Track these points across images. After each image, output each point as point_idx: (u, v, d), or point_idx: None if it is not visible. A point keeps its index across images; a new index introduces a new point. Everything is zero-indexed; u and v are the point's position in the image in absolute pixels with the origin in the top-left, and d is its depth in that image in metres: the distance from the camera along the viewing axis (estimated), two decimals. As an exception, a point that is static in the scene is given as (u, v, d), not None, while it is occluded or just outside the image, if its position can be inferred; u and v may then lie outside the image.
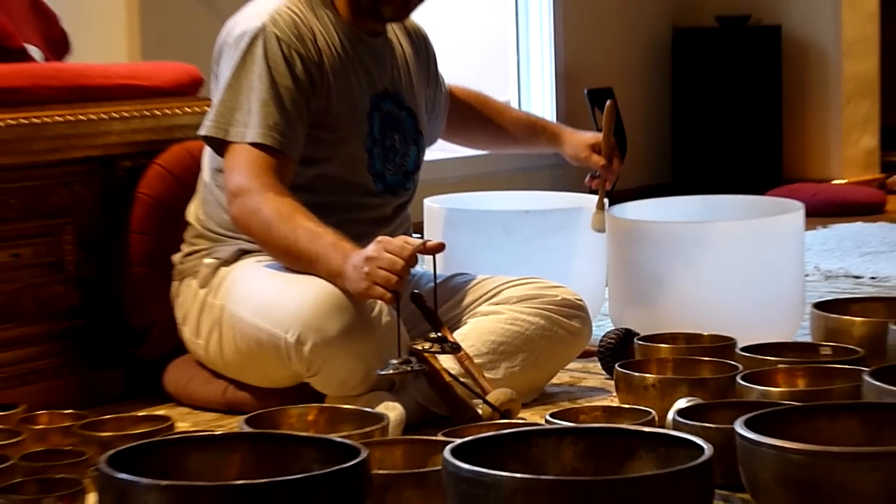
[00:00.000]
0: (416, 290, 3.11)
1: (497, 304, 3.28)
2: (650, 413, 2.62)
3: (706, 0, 7.21)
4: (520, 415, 2.93)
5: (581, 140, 3.64)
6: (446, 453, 1.99)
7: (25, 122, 3.28)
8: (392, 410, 2.82)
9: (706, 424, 2.41)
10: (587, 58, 6.52)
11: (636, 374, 2.93)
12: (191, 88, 3.75)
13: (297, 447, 2.24)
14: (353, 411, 2.75)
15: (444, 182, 4.37)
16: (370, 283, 2.91)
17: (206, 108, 3.30)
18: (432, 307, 3.04)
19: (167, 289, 3.39)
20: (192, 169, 3.43)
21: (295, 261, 3.10)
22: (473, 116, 3.82)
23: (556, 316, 3.25)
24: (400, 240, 2.98)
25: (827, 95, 7.01)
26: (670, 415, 2.54)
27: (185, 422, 3.12)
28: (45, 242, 3.38)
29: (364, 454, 2.01)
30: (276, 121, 3.13)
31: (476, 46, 6.28)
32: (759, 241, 3.77)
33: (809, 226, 3.97)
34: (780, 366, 2.87)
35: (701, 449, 2.00)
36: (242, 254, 3.26)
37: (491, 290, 3.33)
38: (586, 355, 3.46)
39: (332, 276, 3.01)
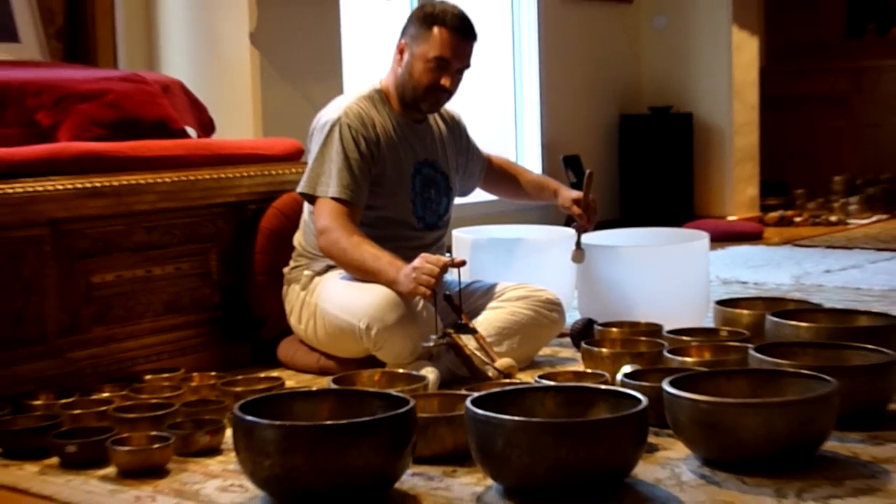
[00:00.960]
0: (447, 293, 3.14)
1: (502, 301, 3.33)
2: (605, 375, 2.72)
3: (642, 95, 7.17)
4: (517, 377, 2.98)
5: (569, 196, 3.59)
6: (468, 403, 2.19)
7: (185, 179, 3.36)
8: (431, 373, 2.95)
9: (643, 383, 2.46)
10: (562, 134, 6.49)
11: (595, 349, 3.01)
12: (295, 156, 3.78)
13: (367, 399, 2.39)
14: (404, 374, 2.86)
15: (467, 218, 4.47)
16: (416, 284, 3.00)
17: (303, 169, 3.35)
18: (458, 304, 3.11)
19: (279, 291, 3.43)
20: (296, 210, 3.46)
21: (364, 275, 3.15)
22: (503, 178, 3.81)
23: (541, 310, 3.32)
24: (435, 257, 3.08)
25: (723, 160, 7.03)
26: (619, 377, 2.63)
27: (291, 381, 3.20)
28: (198, 259, 3.46)
29: (412, 403, 2.18)
30: (348, 182, 3.20)
31: (487, 124, 6.36)
32: (678, 258, 3.83)
33: (712, 248, 4.05)
34: (693, 343, 2.96)
35: (639, 400, 2.17)
36: (329, 268, 3.30)
37: (497, 292, 3.38)
38: (562, 336, 3.50)
39: (389, 284, 3.08)
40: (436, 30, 3.27)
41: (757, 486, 2.13)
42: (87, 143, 3.31)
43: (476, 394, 2.32)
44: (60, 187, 3.06)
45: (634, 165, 7.04)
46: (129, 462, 2.40)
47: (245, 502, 2.18)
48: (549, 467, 2.06)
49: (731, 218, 6.97)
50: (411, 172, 3.42)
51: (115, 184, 3.21)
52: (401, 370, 2.94)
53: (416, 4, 5.63)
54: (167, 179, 3.34)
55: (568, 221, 4.01)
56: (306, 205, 3.37)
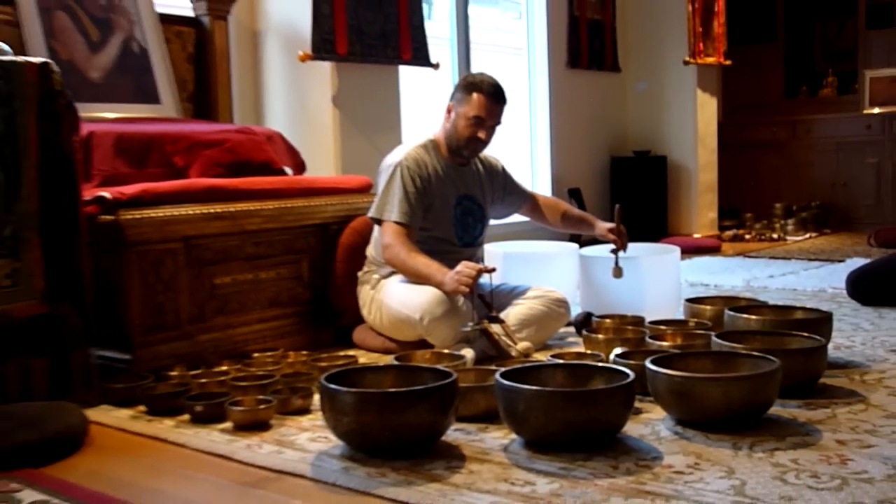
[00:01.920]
0: (481, 292, 3.07)
1: (522, 299, 3.32)
2: (601, 355, 2.72)
3: (628, 141, 7.14)
4: (534, 356, 2.98)
5: (604, 227, 3.57)
6: (497, 376, 2.22)
7: (283, 206, 3.39)
8: (468, 353, 2.94)
9: (630, 362, 2.43)
10: (566, 171, 6.50)
11: (593, 335, 3.00)
12: (365, 189, 3.75)
13: (420, 372, 2.39)
14: (448, 353, 2.83)
15: (496, 236, 4.44)
16: (457, 285, 3.02)
17: (372, 199, 3.36)
18: (489, 301, 3.08)
19: (354, 290, 3.44)
20: (367, 230, 3.44)
21: (418, 279, 3.16)
22: (550, 212, 3.74)
23: (551, 306, 3.31)
24: (473, 264, 3.08)
25: (689, 191, 7.00)
26: (611, 356, 2.63)
27: (363, 358, 3.19)
28: (293, 266, 3.46)
29: (454, 376, 2.20)
30: (406, 210, 3.21)
31: (510, 163, 6.38)
32: (656, 266, 3.84)
33: (681, 258, 4.08)
34: (668, 331, 2.95)
35: (628, 375, 2.19)
36: (391, 274, 3.30)
37: (519, 292, 3.37)
38: (567, 326, 3.45)
39: (437, 285, 3.10)
40: (475, 95, 3.29)
41: (718, 440, 2.14)
42: (210, 179, 3.34)
43: (503, 369, 2.33)
44: (191, 212, 3.10)
45: (622, 195, 6.98)
46: (241, 419, 2.43)
47: (329, 450, 2.19)
48: (559, 425, 2.09)
49: (696, 235, 6.93)
50: (454, 204, 3.41)
51: (232, 210, 3.24)
52: (445, 350, 2.92)
53: (457, 74, 5.69)
54: (270, 206, 3.37)
55: (583, 243, 3.93)
56: (375, 226, 3.36)
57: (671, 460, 2.02)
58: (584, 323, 3.30)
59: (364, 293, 3.39)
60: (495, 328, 3.00)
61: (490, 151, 3.59)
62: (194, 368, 2.97)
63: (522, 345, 3.03)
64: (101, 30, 3.76)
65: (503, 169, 3.67)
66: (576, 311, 3.55)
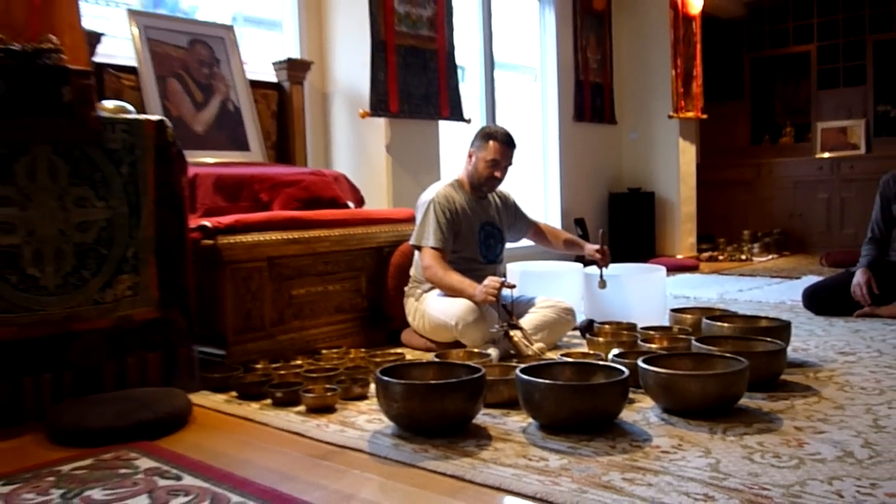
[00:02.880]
0: (503, 303, 3.02)
1: (536, 308, 3.29)
2: (601, 355, 2.71)
3: (623, 180, 7.11)
4: (546, 355, 2.92)
5: (591, 248, 3.51)
6: (517, 371, 2.21)
7: (346, 233, 3.40)
8: (493, 352, 2.93)
9: (626, 361, 2.44)
10: (573, 204, 6.50)
11: (595, 338, 2.99)
12: (411, 220, 3.55)
13: (456, 367, 2.39)
14: (478, 352, 2.82)
15: (515, 257, 4.45)
16: (485, 296, 3.02)
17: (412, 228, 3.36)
18: (510, 310, 3.03)
19: (401, 301, 3.43)
20: (411, 253, 3.42)
21: (452, 292, 3.16)
22: (549, 236, 3.72)
23: (561, 313, 3.29)
24: (497, 278, 3.07)
25: (673, 220, 6.95)
26: (610, 356, 2.62)
27: (410, 355, 3.16)
28: (354, 281, 3.46)
29: (483, 371, 2.20)
30: (440, 237, 3.21)
31: (527, 197, 6.35)
32: (646, 282, 3.81)
33: (668, 275, 4.08)
34: (656, 335, 2.93)
35: (623, 371, 2.19)
36: (431, 289, 3.29)
37: (534, 302, 3.34)
38: (573, 330, 3.39)
39: (469, 297, 3.10)
40: (491, 142, 3.32)
41: (697, 426, 2.13)
42: (290, 212, 3.36)
43: (522, 365, 2.33)
44: (274, 238, 3.13)
45: (618, 224, 7.00)
46: (312, 403, 2.43)
47: (382, 429, 2.20)
48: (567, 412, 2.09)
49: (678, 256, 6.88)
50: (478, 229, 3.41)
51: (306, 236, 3.26)
52: (475, 350, 2.91)
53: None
54: (336, 233, 3.39)
55: (586, 263, 3.89)
56: (416, 251, 3.37)
57: (658, 442, 2.01)
58: (588, 328, 3.28)
59: (409, 304, 3.39)
60: (515, 332, 2.98)
61: (504, 187, 3.58)
62: (275, 362, 2.99)
63: (537, 345, 3.01)
64: (204, 93, 3.82)
65: (514, 201, 3.66)
66: (580, 318, 3.52)
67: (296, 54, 4.50)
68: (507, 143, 3.35)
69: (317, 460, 1.98)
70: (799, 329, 3.47)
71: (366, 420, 2.31)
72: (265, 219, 3.15)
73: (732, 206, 8.13)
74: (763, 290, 4.96)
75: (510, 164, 3.40)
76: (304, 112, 4.30)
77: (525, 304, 3.36)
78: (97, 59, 3.36)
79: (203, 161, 3.59)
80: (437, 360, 2.58)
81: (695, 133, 7.44)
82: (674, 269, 6.13)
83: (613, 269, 4.04)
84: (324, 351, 3.16)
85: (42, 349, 2.37)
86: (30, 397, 2.37)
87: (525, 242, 3.86)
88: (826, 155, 7.78)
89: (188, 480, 1.82)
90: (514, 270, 3.94)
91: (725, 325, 2.90)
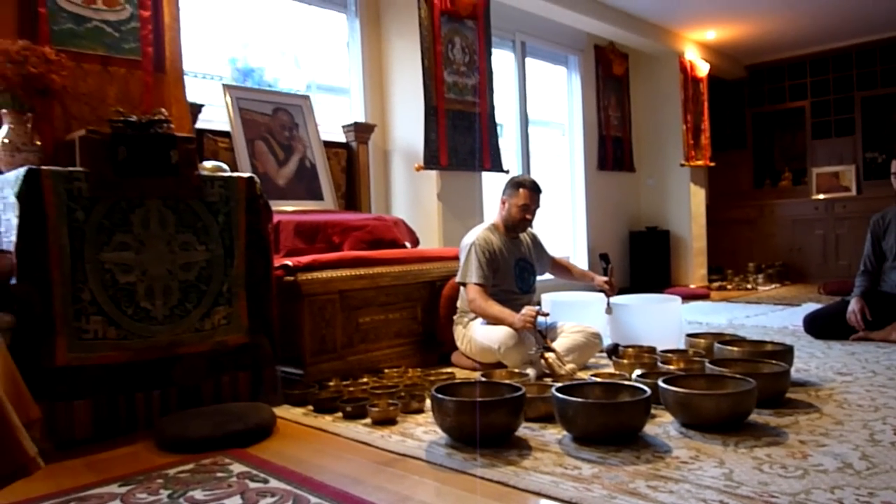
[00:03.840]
0: (539, 329, 3.03)
1: (568, 333, 3.24)
2: (626, 375, 2.65)
3: (641, 219, 7.03)
4: (577, 375, 2.92)
5: (600, 279, 3.49)
6: (553, 390, 2.19)
7: (404, 269, 3.39)
8: (531, 372, 2.91)
9: (647, 381, 2.42)
10: (597, 241, 6.42)
11: (620, 360, 2.95)
12: (459, 257, 3.80)
13: (499, 386, 2.34)
14: (518, 372, 2.81)
15: (548, 288, 4.43)
16: (523, 323, 3.00)
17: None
18: (545, 335, 3.04)
19: (451, 328, 3.39)
20: (459, 286, 3.32)
21: (495, 321, 3.13)
22: (564, 269, 3.70)
23: (589, 337, 3.23)
24: (533, 308, 3.05)
25: (686, 255, 6.86)
26: (634, 376, 2.57)
27: (459, 375, 3.11)
28: (411, 310, 3.44)
29: (523, 389, 2.19)
30: (482, 274, 3.20)
31: (557, 234, 6.32)
32: (664, 310, 3.74)
33: (683, 303, 4.01)
34: (674, 358, 2.87)
35: (646, 391, 2.16)
36: (475, 318, 3.25)
37: (565, 328, 3.29)
38: (600, 353, 3.36)
39: (510, 325, 3.07)
40: (521, 190, 3.33)
41: (712, 439, 2.09)
42: (357, 252, 3.38)
43: (558, 385, 2.31)
44: (344, 274, 3.15)
45: (638, 258, 6.94)
46: (377, 416, 2.43)
47: (437, 440, 2.19)
48: (597, 426, 2.07)
49: (691, 286, 6.77)
50: (513, 265, 3.39)
51: (371, 272, 3.27)
52: (516, 370, 2.88)
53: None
54: (396, 269, 3.39)
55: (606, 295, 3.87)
56: (461, 287, 3.36)
57: (678, 453, 1.98)
58: (613, 351, 3.24)
59: (458, 330, 3.37)
60: (549, 354, 2.96)
61: (531, 227, 3.59)
62: (345, 380, 3.00)
63: (569, 366, 2.98)
64: (286, 152, 3.89)
65: (539, 239, 3.64)
66: (606, 341, 3.48)
67: (361, 118, 4.57)
68: (534, 190, 3.34)
69: (381, 467, 1.98)
70: (801, 352, 3.38)
71: (423, 431, 2.30)
72: (336, 258, 3.17)
73: (738, 242, 7.96)
74: (768, 317, 4.84)
75: (538, 207, 3.40)
76: (369, 167, 4.35)
77: (557, 330, 3.32)
78: (198, 125, 3.45)
79: (284, 209, 3.64)
80: (483, 379, 2.57)
81: (704, 178, 7.36)
82: (687, 297, 6.03)
83: (635, 298, 4.01)
84: (386, 370, 3.17)
85: (152, 370, 2.43)
86: (141, 410, 2.42)
87: (548, 276, 3.84)
88: (821, 196, 7.60)
89: (274, 483, 1.84)
90: (547, 300, 3.92)
91: (735, 348, 2.83)
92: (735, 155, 8.28)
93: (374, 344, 3.29)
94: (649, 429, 2.20)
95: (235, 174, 2.70)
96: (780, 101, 8.06)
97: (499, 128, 4.97)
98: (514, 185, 3.36)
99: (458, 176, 4.59)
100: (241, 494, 1.77)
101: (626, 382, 2.42)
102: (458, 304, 3.42)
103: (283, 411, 2.61)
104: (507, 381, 2.46)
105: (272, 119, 3.88)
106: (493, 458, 1.98)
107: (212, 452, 2.12)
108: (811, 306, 4.84)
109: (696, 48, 7.12)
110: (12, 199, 2.24)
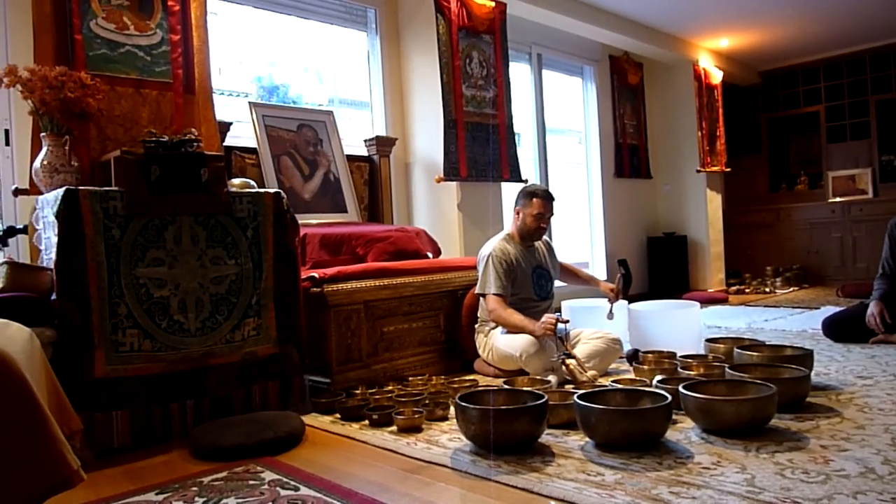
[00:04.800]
0: (559, 336, 3.00)
1: (588, 339, 3.21)
2: (647, 381, 2.63)
3: (659, 225, 7.01)
4: (599, 381, 2.92)
5: (606, 286, 3.46)
6: (575, 397, 2.18)
7: (427, 279, 3.39)
8: (553, 379, 2.82)
9: (668, 387, 2.37)
10: (616, 247, 6.38)
11: (640, 366, 2.93)
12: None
13: (522, 393, 2.35)
14: (539, 379, 2.75)
15: (568, 295, 4.45)
16: (544, 331, 3.00)
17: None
18: (566, 341, 3.03)
19: (473, 336, 3.39)
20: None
21: (515, 329, 3.13)
22: (572, 274, 3.67)
23: (609, 343, 3.20)
24: (553, 315, 3.04)
25: (704, 259, 6.80)
26: (654, 382, 2.53)
27: (482, 382, 3.12)
28: (434, 319, 3.44)
29: (546, 397, 2.17)
30: (500, 284, 3.21)
31: (576, 241, 6.31)
32: (684, 315, 3.71)
33: (701, 307, 3.98)
34: (694, 363, 2.81)
35: (666, 397, 2.14)
36: (496, 326, 3.25)
37: (586, 334, 3.26)
38: (621, 359, 3.32)
39: (530, 332, 3.07)
40: (535, 199, 3.32)
41: (733, 444, 2.07)
42: (381, 263, 3.38)
43: (580, 392, 2.30)
44: (368, 285, 3.16)
45: (656, 263, 6.90)
46: (403, 424, 2.44)
47: (461, 447, 2.19)
48: (619, 433, 2.05)
49: (709, 290, 6.71)
50: (531, 273, 3.39)
51: (395, 282, 3.27)
52: (537, 377, 2.85)
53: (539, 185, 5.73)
54: (419, 279, 3.39)
55: (627, 299, 3.83)
56: (481, 298, 3.35)
57: (700, 459, 1.95)
58: (634, 356, 3.19)
59: (479, 339, 3.37)
60: (570, 361, 2.95)
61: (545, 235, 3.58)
62: (371, 388, 3.01)
63: (590, 373, 2.97)
64: (310, 167, 3.92)
65: (552, 245, 3.65)
66: (627, 347, 3.46)
67: (382, 132, 4.60)
68: (547, 199, 3.34)
69: (407, 474, 1.98)
70: (820, 355, 3.34)
71: (448, 439, 2.30)
72: (361, 269, 3.18)
73: (756, 246, 7.87)
74: (786, 320, 4.77)
75: (552, 215, 3.40)
76: (391, 179, 4.36)
77: (578, 336, 3.30)
78: (226, 142, 3.49)
79: (310, 222, 3.66)
80: (506, 386, 2.56)
81: (720, 184, 7.30)
82: (706, 301, 5.97)
83: (654, 304, 3.99)
84: (410, 378, 3.17)
85: (185, 380, 2.46)
86: (176, 420, 2.46)
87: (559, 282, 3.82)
88: (837, 200, 7.49)
89: (304, 491, 1.85)
90: (567, 306, 3.91)
91: (755, 353, 2.78)
92: (751, 160, 8.20)
93: (398, 352, 3.30)
94: (671, 435, 2.18)
95: (263, 190, 2.73)
96: (795, 106, 7.97)
97: (517, 137, 4.97)
98: (527, 194, 3.36)
99: (477, 187, 4.60)
100: (273, 502, 1.78)
101: (647, 389, 2.40)
102: (479, 313, 3.41)
103: (312, 419, 2.63)
104: (529, 389, 2.45)
105: (297, 135, 3.92)
106: (516, 465, 1.97)
107: (244, 461, 2.14)
108: (830, 309, 4.78)
109: (709, 56, 7.08)
110: (52, 219, 2.29)
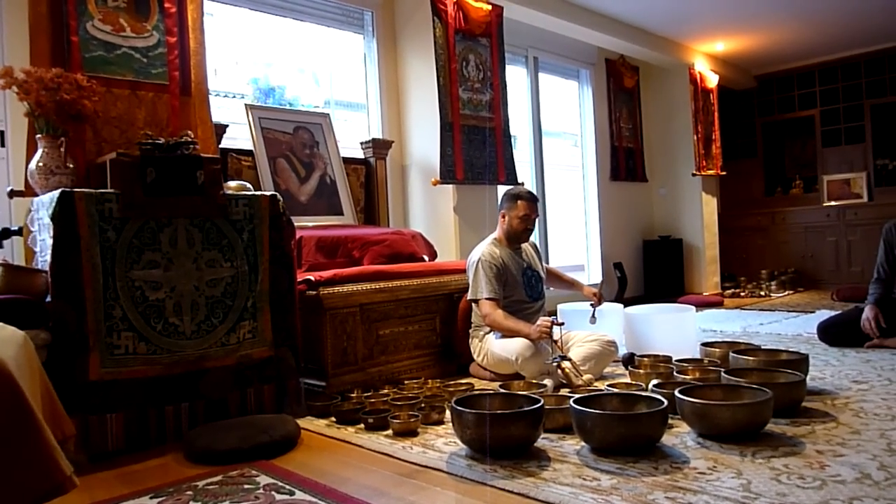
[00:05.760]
0: (555, 338, 3.01)
1: (583, 342, 3.21)
2: (642, 385, 2.63)
3: (655, 229, 7.00)
4: (594, 385, 2.91)
5: (589, 290, 3.48)
6: (571, 402, 2.16)
7: (423, 282, 3.38)
8: (549, 382, 2.88)
9: (664, 391, 2.40)
10: (612, 250, 6.38)
11: (636, 370, 2.89)
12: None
13: (518, 397, 2.33)
14: (535, 383, 2.81)
15: (565, 298, 4.44)
16: (539, 334, 3.00)
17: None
18: (561, 344, 3.05)
19: (467, 340, 3.37)
20: None
21: (511, 333, 3.13)
22: (552, 277, 3.65)
23: (605, 346, 3.19)
24: (548, 319, 3.05)
25: (699, 263, 6.80)
26: (650, 386, 2.55)
27: (479, 385, 3.10)
28: (429, 322, 3.43)
29: (542, 401, 2.16)
30: (492, 288, 3.21)
31: (571, 245, 6.31)
32: (679, 319, 3.69)
33: (697, 311, 3.97)
34: (689, 367, 2.84)
35: (662, 401, 2.13)
36: (490, 331, 3.25)
37: (581, 337, 3.25)
38: (615, 362, 3.34)
39: (525, 336, 3.08)
40: (519, 202, 3.34)
41: (729, 449, 2.07)
42: (377, 266, 3.38)
43: (576, 396, 2.30)
44: (364, 288, 3.15)
45: (651, 266, 6.90)
46: (398, 428, 2.43)
47: (457, 451, 2.19)
48: (615, 437, 2.05)
49: (704, 293, 6.73)
50: (521, 275, 3.38)
51: (390, 285, 3.26)
52: (533, 381, 2.88)
53: (535, 187, 5.71)
54: (415, 283, 3.38)
55: (623, 303, 3.84)
56: (474, 304, 3.35)
57: (696, 464, 1.95)
58: (629, 360, 3.20)
59: (474, 344, 3.36)
60: (566, 364, 2.93)
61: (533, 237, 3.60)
62: (367, 391, 3.00)
63: (586, 377, 2.96)
64: (306, 169, 3.91)
65: (537, 247, 3.64)
66: (622, 351, 3.46)
67: (379, 134, 4.59)
68: (532, 200, 3.36)
69: (403, 478, 1.98)
70: (815, 360, 3.34)
71: (443, 443, 2.29)
72: (357, 272, 3.17)
73: (751, 249, 7.90)
74: (781, 324, 4.77)
75: (537, 216, 3.42)
76: (387, 182, 4.36)
77: (573, 339, 3.30)
78: (223, 144, 3.47)
79: (306, 225, 3.65)
80: (502, 390, 2.55)
81: (716, 188, 7.32)
82: (701, 305, 5.97)
83: (650, 308, 3.98)
84: (406, 381, 3.16)
85: (180, 383, 2.45)
86: (171, 423, 2.45)
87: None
88: (832, 203, 7.52)
89: (299, 495, 1.84)
90: (563, 310, 3.90)
91: (751, 358, 2.78)
92: (746, 164, 8.23)
93: (394, 356, 3.29)
94: (667, 439, 2.18)
95: (259, 193, 2.72)
96: (790, 111, 8.00)
97: (513, 139, 4.97)
98: (512, 197, 3.37)
99: (473, 189, 4.60)
100: (268, 507, 1.77)
101: (643, 393, 2.40)
102: (473, 318, 3.40)
103: (307, 423, 2.62)
104: (525, 393, 2.44)
105: (293, 137, 3.91)
106: (512, 470, 1.97)
107: (239, 464, 2.13)
108: (825, 313, 4.79)
109: (705, 60, 7.10)
110: (47, 221, 2.28)
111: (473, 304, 3.35)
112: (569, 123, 6.45)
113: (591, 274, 6.29)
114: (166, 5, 3.07)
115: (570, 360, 2.98)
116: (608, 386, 2.68)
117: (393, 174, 4.60)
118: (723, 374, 2.58)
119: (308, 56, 4.44)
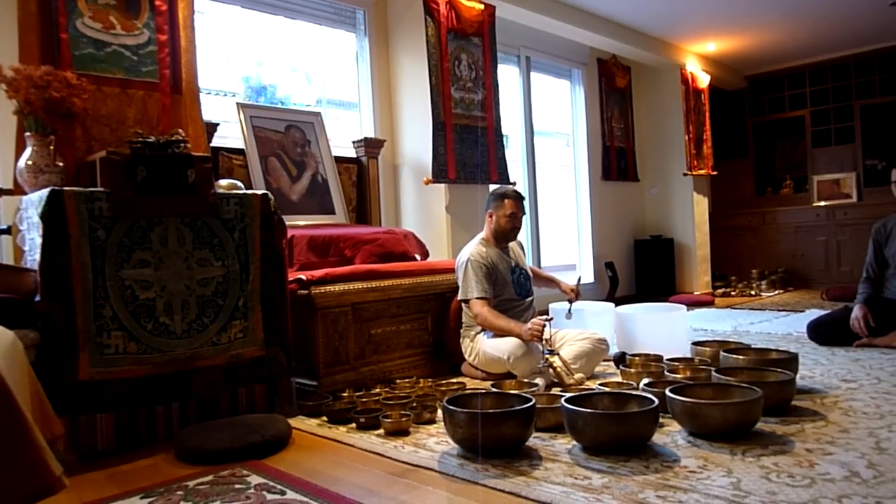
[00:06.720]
0: (546, 338, 3.02)
1: (574, 341, 3.22)
2: (633, 384, 2.65)
3: (646, 228, 7.02)
4: (585, 384, 2.93)
5: (567, 286, 3.51)
6: (563, 401, 2.17)
7: (415, 281, 3.38)
8: (540, 381, 2.89)
9: (654, 390, 2.42)
10: (603, 250, 6.38)
11: (627, 369, 2.91)
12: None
13: (509, 397, 2.33)
14: (527, 382, 2.79)
15: (555, 297, 4.45)
16: (531, 334, 3.01)
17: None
18: (552, 342, 3.08)
19: (458, 339, 3.39)
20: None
21: (502, 332, 3.16)
22: (538, 275, 3.68)
23: (596, 345, 3.20)
24: (540, 319, 3.05)
25: (690, 262, 6.82)
26: (641, 385, 2.56)
27: (471, 384, 3.12)
28: (421, 321, 3.43)
29: (534, 400, 2.17)
30: (482, 288, 3.24)
31: (563, 244, 6.30)
32: (670, 319, 3.70)
33: (688, 310, 3.98)
34: (680, 366, 2.84)
35: (653, 400, 2.14)
36: (482, 331, 3.27)
37: (572, 335, 3.26)
38: (606, 361, 3.35)
39: (517, 335, 3.09)
40: (506, 201, 3.37)
41: (719, 448, 2.07)
42: (368, 265, 3.36)
43: (567, 395, 2.29)
44: (356, 287, 3.15)
45: (643, 266, 6.91)
46: (390, 427, 2.43)
47: (448, 450, 2.19)
48: (606, 436, 2.06)
49: (695, 293, 6.75)
50: (509, 273, 3.40)
51: (382, 285, 3.27)
52: (525, 380, 2.87)
53: (528, 186, 5.71)
54: (406, 282, 3.38)
55: (615, 302, 3.85)
56: (464, 304, 3.36)
57: (686, 462, 1.96)
58: (621, 359, 3.19)
59: (465, 343, 3.37)
60: (557, 363, 2.94)
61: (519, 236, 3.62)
62: (358, 391, 3.00)
63: (577, 375, 2.98)
64: (298, 168, 3.90)
65: (523, 245, 3.68)
66: (613, 350, 3.47)
67: (371, 133, 4.58)
68: (518, 199, 3.39)
69: (395, 477, 1.98)
70: (805, 358, 3.36)
71: (435, 442, 2.30)
72: (349, 272, 3.17)
73: (741, 249, 7.94)
74: (772, 323, 4.80)
75: (524, 214, 3.45)
76: (379, 181, 4.35)
77: (564, 337, 3.31)
78: (214, 142, 3.45)
79: (297, 224, 3.64)
80: (493, 390, 2.56)
81: (707, 187, 7.34)
82: (692, 304, 5.99)
83: (641, 307, 4.00)
84: (398, 381, 3.17)
85: (171, 383, 2.44)
86: (161, 423, 2.44)
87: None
88: (822, 203, 7.57)
89: (291, 495, 1.84)
90: (556, 309, 3.90)
91: (741, 357, 2.79)
92: (737, 164, 8.27)
93: (385, 355, 3.29)
94: (657, 438, 2.19)
95: (250, 191, 2.71)
96: (781, 111, 8.05)
97: (505, 139, 4.97)
98: (498, 196, 3.39)
99: (465, 189, 4.60)
100: (260, 506, 1.76)
101: (634, 392, 2.40)
102: (463, 319, 3.41)
103: (298, 422, 2.62)
104: (516, 392, 2.44)
105: (285, 136, 3.90)
106: (504, 469, 1.97)
107: (230, 464, 2.13)
108: (814, 312, 4.82)
109: (696, 60, 7.13)
110: (36, 220, 2.26)
111: (464, 305, 3.36)
112: (561, 123, 6.46)
113: (583, 273, 6.29)
114: (157, 3, 3.05)
115: (559, 355, 3.00)
116: (599, 385, 2.68)
117: (385, 173, 4.59)
118: (713, 373, 2.59)
119: (300, 54, 4.42)
